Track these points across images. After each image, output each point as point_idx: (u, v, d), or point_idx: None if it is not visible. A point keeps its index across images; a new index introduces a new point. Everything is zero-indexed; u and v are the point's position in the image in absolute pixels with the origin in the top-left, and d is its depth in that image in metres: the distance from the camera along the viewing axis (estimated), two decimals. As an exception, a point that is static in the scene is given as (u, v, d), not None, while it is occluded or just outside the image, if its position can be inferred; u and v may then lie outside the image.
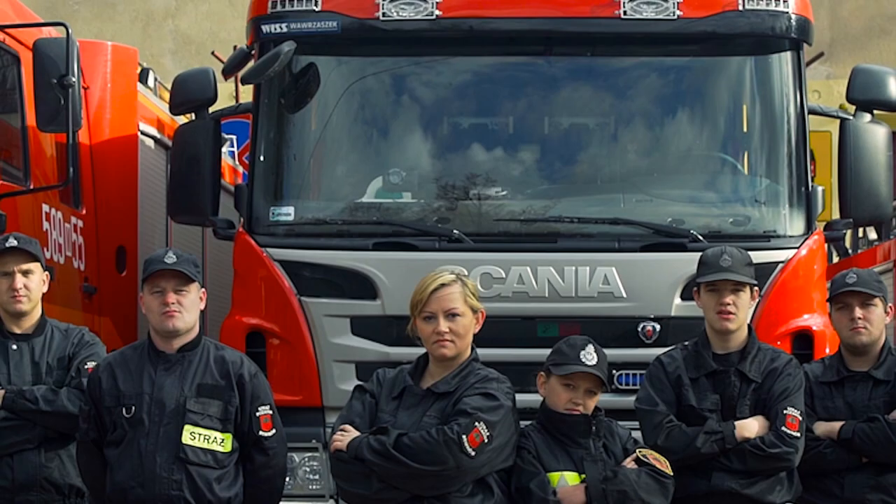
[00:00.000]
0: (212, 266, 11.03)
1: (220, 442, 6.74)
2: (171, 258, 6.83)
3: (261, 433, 6.79)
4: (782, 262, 8.52)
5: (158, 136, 11.26)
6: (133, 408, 6.72)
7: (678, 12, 8.68)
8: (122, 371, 6.83)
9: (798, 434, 7.04)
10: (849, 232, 10.54)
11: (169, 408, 6.70)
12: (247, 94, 9.51)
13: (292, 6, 8.76)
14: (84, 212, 10.16)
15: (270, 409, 6.84)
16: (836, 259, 12.10)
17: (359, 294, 8.51)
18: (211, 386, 6.77)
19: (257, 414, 6.79)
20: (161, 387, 6.74)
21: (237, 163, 12.49)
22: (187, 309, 6.79)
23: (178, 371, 6.78)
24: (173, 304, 6.75)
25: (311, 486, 8.50)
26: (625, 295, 8.44)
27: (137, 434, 6.69)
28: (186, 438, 6.68)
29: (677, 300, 8.38)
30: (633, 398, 7.36)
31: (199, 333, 6.90)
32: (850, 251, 13.31)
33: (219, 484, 6.71)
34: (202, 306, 6.91)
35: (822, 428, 7.35)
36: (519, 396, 6.62)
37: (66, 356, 7.35)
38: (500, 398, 6.50)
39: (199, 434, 6.71)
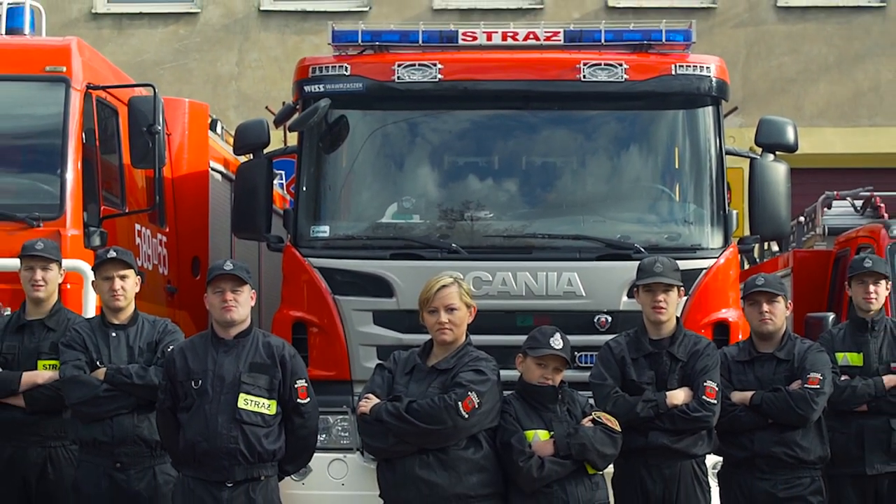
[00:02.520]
0: (266, 272, 11.02)
1: (267, 407, 6.75)
2: (228, 266, 6.87)
3: (298, 401, 6.81)
4: (705, 268, 8.52)
5: (224, 171, 11.26)
6: (200, 381, 6.74)
7: (625, 76, 8.69)
8: (192, 353, 6.85)
9: (715, 401, 7.10)
10: (756, 245, 10.53)
11: (227, 381, 6.73)
12: (292, 139, 9.53)
13: (328, 72, 8.79)
14: (167, 230, 10.17)
15: (306, 382, 6.85)
16: (747, 266, 12.12)
17: (379, 293, 8.50)
18: (260, 364, 6.79)
19: (295, 386, 6.80)
20: (221, 365, 6.76)
21: (285, 192, 12.51)
22: (241, 305, 6.81)
23: (234, 353, 6.80)
24: (230, 301, 6.77)
25: (342, 441, 8.50)
26: (584, 294, 8.45)
27: (203, 401, 6.72)
28: (241, 404, 6.70)
29: (624, 298, 8.36)
30: (588, 374, 7.42)
31: (250, 324, 6.92)
32: (757, 260, 13.33)
33: (266, 439, 6.73)
34: (252, 303, 6.91)
35: (737, 396, 7.38)
36: (502, 372, 6.65)
37: (153, 342, 7.34)
38: (488, 373, 6.56)
39: (251, 400, 6.73)
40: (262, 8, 17.58)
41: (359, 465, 8.44)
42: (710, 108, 8.88)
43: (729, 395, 7.34)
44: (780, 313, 7.50)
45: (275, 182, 9.52)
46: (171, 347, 7.16)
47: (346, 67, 8.80)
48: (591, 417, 6.70)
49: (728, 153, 8.92)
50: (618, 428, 6.71)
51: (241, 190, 9.02)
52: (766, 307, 7.45)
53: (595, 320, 8.43)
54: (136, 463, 7.22)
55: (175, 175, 10.32)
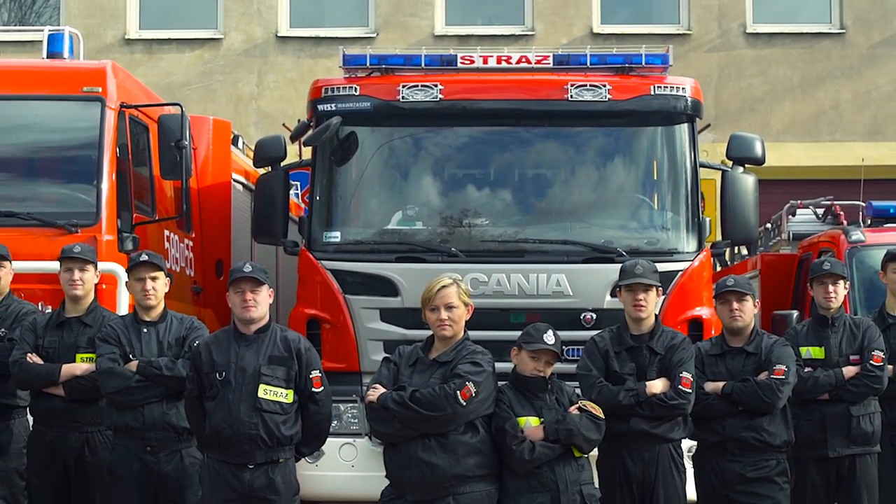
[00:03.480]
0: (283, 273, 11.03)
1: (284, 396, 6.74)
2: (248, 268, 6.87)
3: (313, 390, 6.80)
4: (681, 270, 8.53)
5: (245, 182, 11.25)
6: (223, 373, 6.74)
7: (609, 96, 8.71)
8: (216, 347, 6.85)
9: (690, 391, 7.10)
10: (728, 249, 10.52)
11: (249, 372, 6.72)
12: (307, 153, 9.54)
13: (339, 92, 8.80)
14: (193, 235, 10.17)
15: (320, 373, 6.84)
16: (719, 268, 12.11)
17: (385, 293, 8.50)
18: (278, 357, 6.78)
19: (310, 376, 6.80)
20: (243, 358, 6.76)
21: (300, 201, 12.51)
22: (260, 303, 6.81)
23: (254, 347, 6.79)
24: (250, 300, 6.77)
25: (352, 427, 8.50)
26: (571, 294, 8.45)
27: (227, 391, 6.72)
28: (261, 393, 6.70)
29: (608, 297, 8.36)
30: (575, 366, 7.41)
31: (269, 320, 6.91)
32: (728, 263, 13.32)
33: (284, 425, 6.73)
34: (270, 301, 6.91)
35: (710, 386, 7.37)
36: (497, 364, 6.63)
37: (181, 337, 7.34)
38: (484, 365, 6.54)
39: (270, 390, 6.72)
40: (279, 34, 17.58)
41: (367, 449, 8.44)
42: (685, 125, 8.89)
43: (703, 385, 7.34)
44: (748, 311, 7.49)
45: (291, 192, 9.51)
46: (197, 342, 7.15)
47: (356, 88, 8.82)
48: (577, 405, 6.68)
49: (702, 166, 8.93)
50: (602, 415, 6.70)
51: (260, 199, 9.05)
52: (735, 305, 7.44)
53: (581, 317, 8.43)
54: (165, 447, 7.21)
55: (200, 186, 10.33)
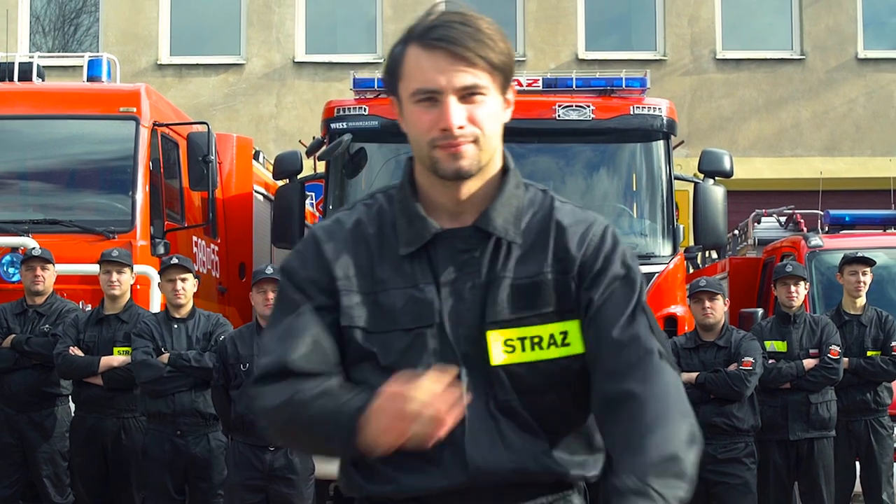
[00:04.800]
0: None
1: (302, 384, 6.78)
2: (269, 270, 6.90)
3: (326, 380, 6.82)
4: (657, 272, 8.50)
5: (265, 193, 11.23)
6: (247, 364, 6.76)
7: (592, 115, 8.70)
8: (240, 341, 6.89)
9: (667, 381, 7.13)
10: (699, 253, 10.52)
11: (269, 364, 6.76)
12: (321, 167, 9.54)
13: (349, 112, 8.79)
14: (219, 241, 10.16)
15: None
16: (691, 270, 12.11)
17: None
18: (296, 349, 6.81)
19: (324, 368, 6.82)
20: (265, 351, 6.79)
21: (315, 210, 12.51)
22: (280, 302, 6.84)
23: (275, 340, 6.83)
24: (271, 299, 6.73)
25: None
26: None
27: (250, 381, 6.74)
28: (281, 382, 6.73)
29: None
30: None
31: (288, 317, 6.93)
32: (700, 266, 13.29)
33: (304, 410, 6.76)
34: (290, 300, 6.93)
35: (684, 377, 7.32)
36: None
37: (208, 332, 7.35)
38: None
39: (289, 379, 6.76)
40: (296, 60, 17.60)
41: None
42: (661, 142, 8.87)
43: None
44: (719, 309, 7.51)
45: (306, 202, 9.51)
46: (222, 337, 7.17)
47: (365, 108, 8.80)
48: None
49: (676, 178, 8.94)
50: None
51: (278, 208, 9.04)
52: (708, 304, 7.45)
53: None
54: (194, 431, 7.23)
55: (225, 196, 10.33)
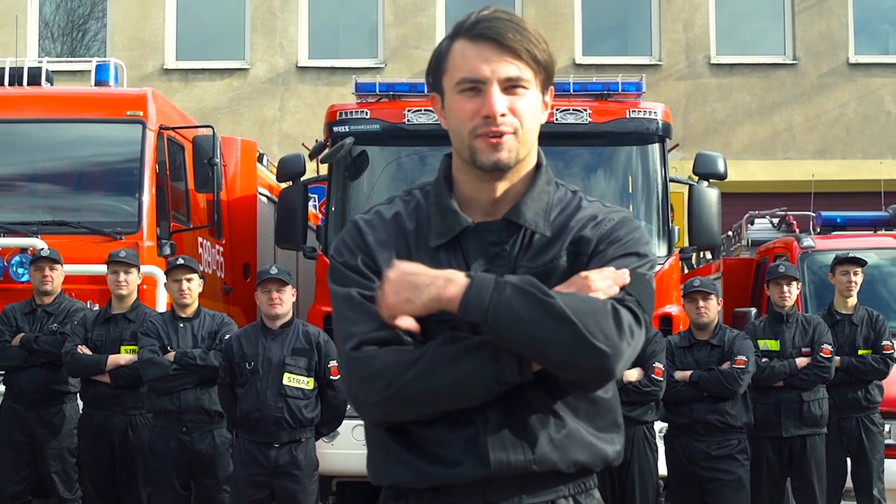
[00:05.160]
0: (303, 274, 11.04)
1: (306, 383, 6.78)
2: (274, 270, 6.89)
3: (331, 378, 6.82)
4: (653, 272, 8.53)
5: (269, 195, 11.25)
6: (252, 363, 6.77)
7: (589, 119, 8.69)
8: (245, 340, 6.87)
9: (661, 379, 7.11)
10: (694, 254, 10.52)
11: (274, 362, 6.75)
12: (323, 169, 9.55)
13: (351, 116, 8.80)
14: (223, 242, 10.16)
15: (337, 362, 6.83)
16: (686, 271, 12.13)
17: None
18: (300, 348, 6.80)
19: (329, 365, 6.81)
20: (269, 349, 6.78)
21: (318, 212, 12.54)
22: (284, 302, 6.83)
23: (279, 340, 6.82)
24: (276, 299, 6.80)
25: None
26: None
27: (255, 379, 6.74)
28: (285, 381, 6.73)
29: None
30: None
31: (292, 316, 6.93)
32: (695, 266, 13.32)
33: (305, 409, 6.76)
34: (293, 300, 6.94)
35: (679, 375, 7.40)
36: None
37: (213, 331, 7.35)
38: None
39: (293, 378, 6.75)
40: (299, 65, 17.60)
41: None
42: (657, 145, 8.87)
43: (672, 374, 7.36)
44: (712, 308, 7.51)
45: (309, 204, 9.51)
46: (227, 336, 7.16)
47: (366, 112, 8.81)
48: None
49: (671, 180, 8.92)
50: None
51: (282, 210, 9.04)
52: (701, 303, 7.46)
53: None
54: (199, 428, 7.23)
55: (230, 198, 10.33)
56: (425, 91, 9.02)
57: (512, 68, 2.32)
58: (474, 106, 2.33)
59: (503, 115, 2.31)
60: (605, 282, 2.28)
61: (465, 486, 2.29)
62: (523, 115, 2.34)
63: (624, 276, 2.30)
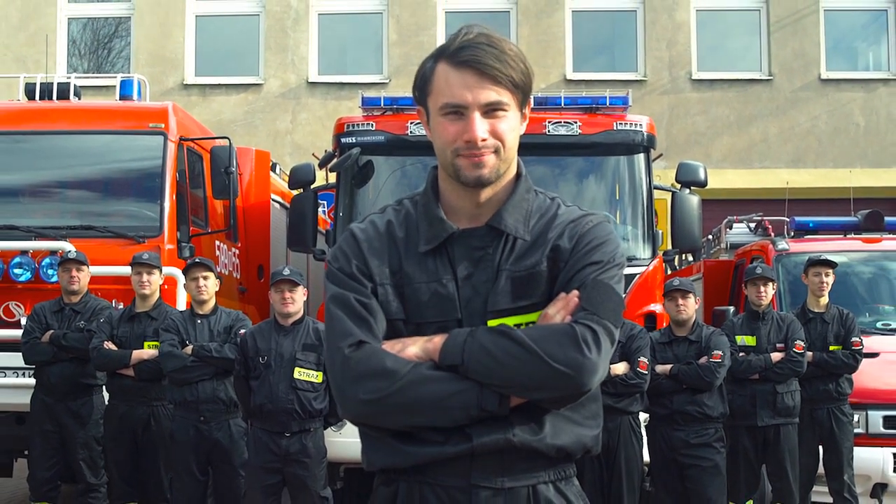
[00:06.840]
0: (312, 275, 11.04)
1: (315, 377, 6.77)
2: (286, 271, 6.90)
3: (339, 372, 6.83)
4: (638, 273, 8.51)
5: (282, 202, 11.24)
6: (265, 357, 6.78)
7: (579, 131, 8.69)
8: (259, 336, 6.89)
9: (646, 372, 7.13)
10: (676, 256, 10.51)
11: (286, 357, 6.76)
12: (332, 177, 9.55)
13: (358, 128, 8.79)
14: (239, 245, 10.15)
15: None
16: (669, 272, 12.15)
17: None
18: (311, 344, 6.80)
19: (336, 360, 6.82)
20: (281, 345, 6.79)
21: (327, 217, 12.54)
22: (296, 300, 6.84)
23: (291, 336, 6.83)
24: (288, 298, 6.81)
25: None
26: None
27: (268, 373, 6.75)
28: (296, 375, 6.74)
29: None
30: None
31: (303, 314, 6.94)
32: (677, 267, 13.32)
33: (315, 401, 6.77)
34: (304, 299, 6.94)
35: (659, 368, 7.42)
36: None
37: (229, 327, 7.37)
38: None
39: (304, 372, 6.76)
40: (309, 80, 17.61)
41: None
42: (642, 155, 8.87)
43: (654, 368, 7.37)
44: (691, 306, 7.53)
45: (319, 209, 9.52)
46: (242, 331, 7.18)
47: (372, 124, 8.80)
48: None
49: (656, 188, 8.92)
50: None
51: (293, 215, 9.03)
52: (680, 301, 7.48)
53: None
54: (216, 417, 7.24)
55: (245, 204, 10.33)
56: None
57: (492, 94, 2.35)
58: (457, 129, 2.37)
59: (483, 140, 2.35)
60: (559, 313, 2.31)
61: (450, 466, 2.30)
62: (504, 135, 2.38)
63: (572, 300, 2.31)
